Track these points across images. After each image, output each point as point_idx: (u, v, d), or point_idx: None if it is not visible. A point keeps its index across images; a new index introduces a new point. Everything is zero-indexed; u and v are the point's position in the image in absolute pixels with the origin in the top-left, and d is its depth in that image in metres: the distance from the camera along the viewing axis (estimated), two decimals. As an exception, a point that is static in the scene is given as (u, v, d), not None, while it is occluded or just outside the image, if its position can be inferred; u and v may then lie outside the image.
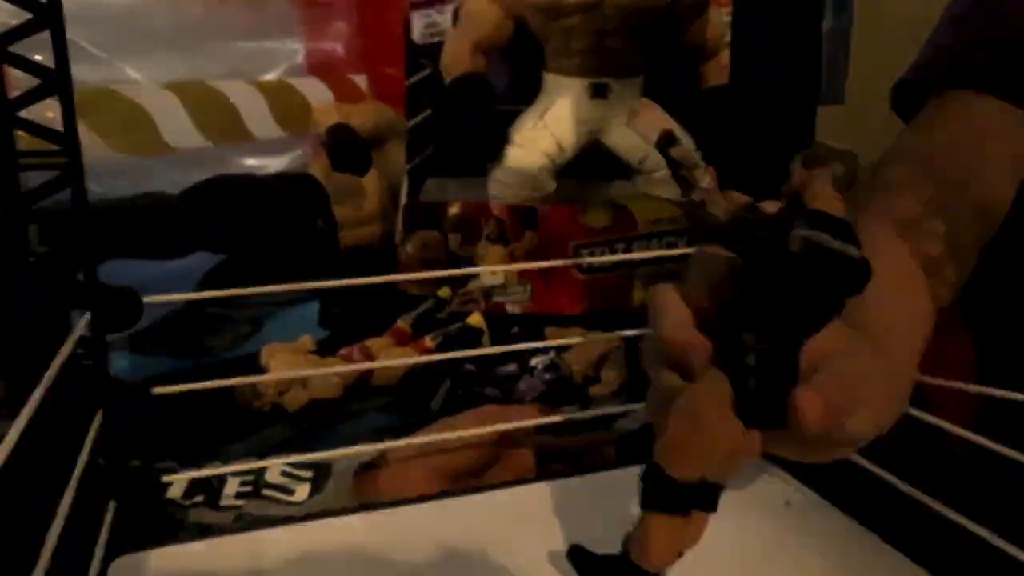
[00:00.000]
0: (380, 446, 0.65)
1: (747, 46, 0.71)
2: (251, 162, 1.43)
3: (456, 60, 1.15)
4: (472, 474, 0.67)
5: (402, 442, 0.64)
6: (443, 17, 1.16)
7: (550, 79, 1.16)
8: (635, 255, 1.11)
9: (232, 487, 0.65)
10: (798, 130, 0.70)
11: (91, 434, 0.42)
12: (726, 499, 0.32)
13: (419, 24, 1.16)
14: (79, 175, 0.42)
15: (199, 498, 0.64)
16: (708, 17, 1.16)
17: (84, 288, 0.43)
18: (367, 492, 0.64)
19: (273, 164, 1.46)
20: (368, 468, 0.65)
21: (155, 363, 0.95)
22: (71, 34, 0.45)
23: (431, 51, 1.17)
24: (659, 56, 1.16)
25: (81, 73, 0.45)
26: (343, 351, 0.96)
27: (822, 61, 0.71)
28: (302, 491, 0.64)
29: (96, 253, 0.46)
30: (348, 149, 1.40)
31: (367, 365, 0.89)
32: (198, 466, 0.65)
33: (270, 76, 1.48)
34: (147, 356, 0.94)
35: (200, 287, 1.17)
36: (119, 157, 1.21)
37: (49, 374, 0.36)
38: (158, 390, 0.48)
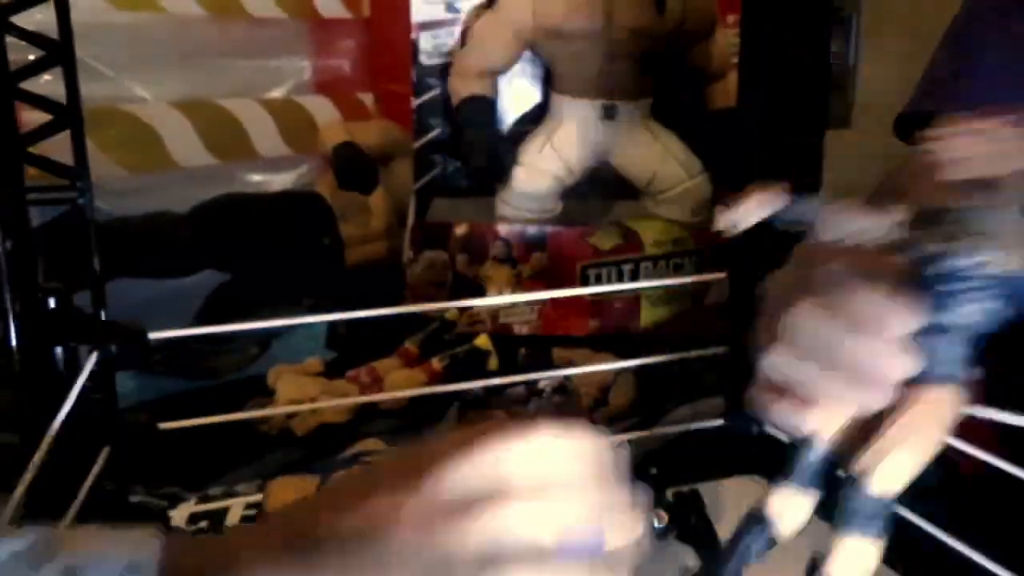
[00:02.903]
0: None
1: (755, 69, 0.72)
2: (257, 180, 1.43)
3: (464, 82, 1.15)
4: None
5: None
6: (451, 38, 1.16)
7: (558, 101, 1.16)
8: (643, 283, 1.12)
9: (236, 514, 0.65)
10: (805, 153, 0.70)
11: (96, 468, 0.42)
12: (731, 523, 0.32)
13: (427, 45, 1.17)
14: (89, 211, 0.42)
15: (203, 523, 0.63)
16: (715, 39, 1.16)
17: (93, 325, 0.43)
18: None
19: (279, 182, 1.46)
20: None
21: (162, 384, 0.94)
22: (78, 52, 0.45)
23: (439, 72, 1.17)
24: (667, 78, 1.16)
25: (88, 91, 0.45)
26: (351, 373, 0.96)
27: (829, 85, 0.72)
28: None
29: (103, 279, 0.46)
30: (354, 167, 1.41)
31: (379, 397, 0.89)
32: (204, 490, 0.65)
33: (277, 94, 1.48)
34: (154, 377, 0.94)
35: (207, 306, 1.17)
36: (126, 175, 1.21)
37: (62, 411, 0.36)
38: (166, 425, 0.48)
